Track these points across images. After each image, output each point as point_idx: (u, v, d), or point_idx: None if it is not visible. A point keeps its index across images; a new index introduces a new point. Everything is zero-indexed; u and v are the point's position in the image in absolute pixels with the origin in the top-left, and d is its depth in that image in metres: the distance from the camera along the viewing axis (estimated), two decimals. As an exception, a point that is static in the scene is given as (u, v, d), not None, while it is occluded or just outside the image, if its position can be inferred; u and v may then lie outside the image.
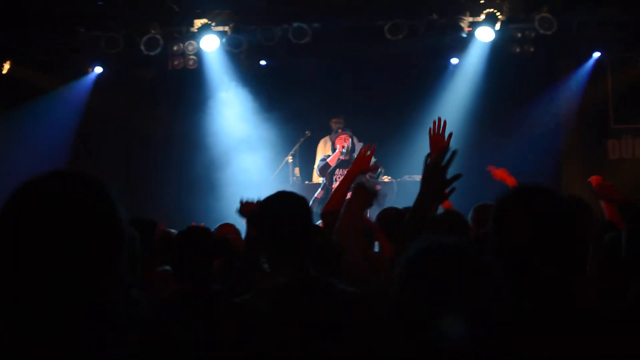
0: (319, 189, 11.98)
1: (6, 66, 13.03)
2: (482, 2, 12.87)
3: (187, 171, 13.86)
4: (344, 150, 11.89)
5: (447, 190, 3.32)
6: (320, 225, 5.48)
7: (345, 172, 11.49)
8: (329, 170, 11.90)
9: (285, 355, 3.22)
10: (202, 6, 12.98)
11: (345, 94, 14.00)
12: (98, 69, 13.72)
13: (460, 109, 13.80)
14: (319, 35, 12.81)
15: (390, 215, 5.89)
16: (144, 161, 14.30)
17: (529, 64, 13.43)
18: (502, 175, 7.30)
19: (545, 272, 2.42)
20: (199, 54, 13.22)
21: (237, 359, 3.31)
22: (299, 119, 13.65)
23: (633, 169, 13.40)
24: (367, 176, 10.27)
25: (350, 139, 12.03)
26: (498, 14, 12.76)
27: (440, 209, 5.73)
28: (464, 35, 12.98)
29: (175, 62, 13.24)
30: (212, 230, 5.97)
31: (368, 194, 4.42)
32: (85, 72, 13.75)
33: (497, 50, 13.17)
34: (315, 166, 13.20)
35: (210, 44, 12.95)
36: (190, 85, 13.81)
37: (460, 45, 13.33)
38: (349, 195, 4.87)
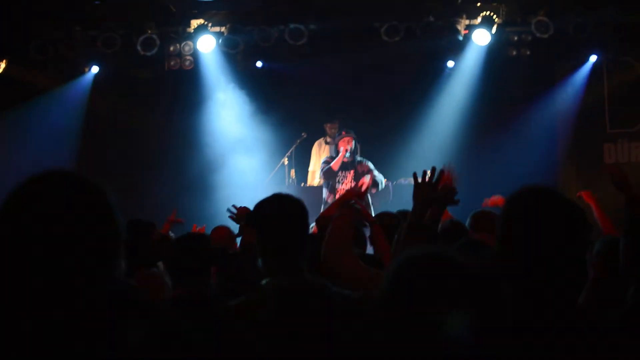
0: (327, 192, 11.97)
1: (2, 65, 13.00)
2: (478, 5, 12.89)
3: (182, 172, 13.85)
4: (347, 154, 11.89)
5: (455, 198, 3.45)
6: (314, 229, 5.48)
7: (347, 176, 11.62)
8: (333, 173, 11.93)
9: (281, 359, 3.22)
10: (198, 7, 12.97)
11: (342, 95, 13.98)
12: (95, 69, 13.69)
13: (456, 111, 13.81)
14: (315, 36, 12.81)
15: (384, 218, 5.88)
16: (139, 161, 14.27)
17: (525, 67, 13.45)
18: (494, 202, 7.39)
19: (553, 275, 2.46)
20: (195, 54, 13.21)
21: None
22: (295, 120, 13.65)
23: (629, 173, 13.38)
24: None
25: (353, 142, 12.03)
26: (495, 17, 12.78)
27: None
28: (461, 38, 12.99)
29: (172, 63, 13.24)
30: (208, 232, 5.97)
31: (354, 212, 4.41)
32: (81, 71, 13.72)
33: (493, 53, 13.18)
34: (311, 169, 13.20)
35: (207, 45, 12.94)
36: (186, 86, 13.79)
37: (457, 48, 13.34)
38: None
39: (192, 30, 13.05)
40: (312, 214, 3.75)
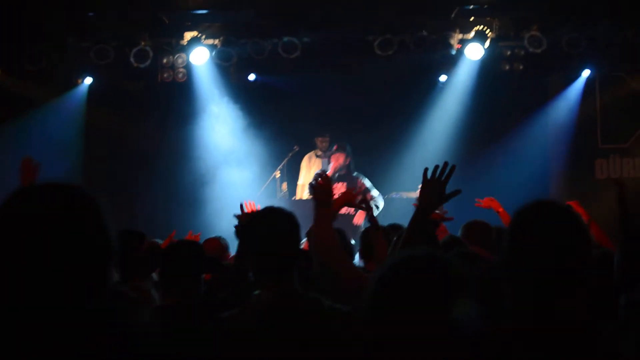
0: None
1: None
2: (471, 19, 12.92)
3: (174, 184, 13.84)
4: (335, 174, 11.85)
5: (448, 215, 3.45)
6: (305, 245, 5.46)
7: (342, 188, 11.59)
8: None
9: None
10: (192, 19, 12.98)
11: (335, 108, 13.98)
12: (88, 80, 13.68)
13: (449, 125, 13.82)
14: (309, 49, 12.83)
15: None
16: (132, 173, 14.23)
17: (518, 81, 13.47)
18: (488, 203, 7.42)
19: (557, 289, 2.49)
20: (188, 66, 13.20)
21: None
22: (287, 133, 13.64)
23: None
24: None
25: (344, 157, 11.97)
26: (488, 31, 12.82)
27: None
28: (454, 52, 13.03)
29: (165, 75, 13.23)
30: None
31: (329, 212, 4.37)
32: (74, 83, 13.71)
33: (486, 68, 13.20)
34: (300, 182, 13.17)
35: (200, 57, 12.94)
36: (179, 99, 13.78)
37: (450, 62, 13.36)
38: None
39: (186, 43, 13.05)
40: (302, 228, 3.74)
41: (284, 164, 13.07)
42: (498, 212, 7.36)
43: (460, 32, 13.07)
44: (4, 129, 13.18)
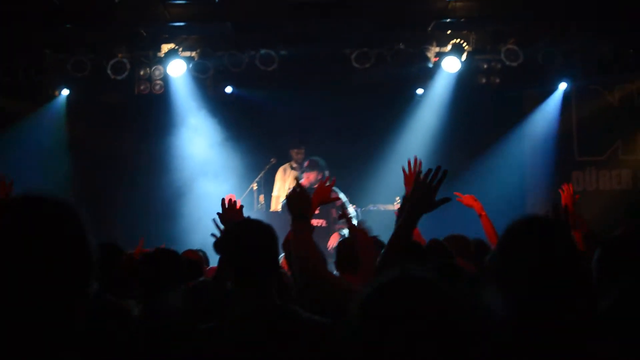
0: None
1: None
2: (449, 32, 12.97)
3: (152, 196, 13.79)
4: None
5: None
6: (283, 261, 5.44)
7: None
8: None
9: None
10: (169, 31, 12.96)
11: (312, 121, 13.99)
12: (65, 92, 13.64)
13: (426, 138, 13.85)
14: (286, 62, 12.84)
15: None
16: (109, 185, 14.17)
17: (494, 94, 13.52)
18: (468, 201, 7.38)
19: (547, 301, 2.54)
20: (165, 79, 13.18)
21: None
22: (264, 146, 13.64)
23: (597, 201, 13.47)
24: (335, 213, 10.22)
25: (315, 175, 11.86)
26: (465, 44, 12.87)
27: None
28: (431, 65, 13.06)
29: (142, 87, 13.20)
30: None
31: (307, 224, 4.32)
32: (52, 95, 13.66)
33: (463, 81, 13.26)
34: (275, 194, 13.15)
35: (177, 69, 12.92)
36: (156, 111, 13.75)
37: (427, 75, 13.41)
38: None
39: (163, 55, 13.03)
40: (279, 239, 3.72)
41: (261, 177, 13.05)
42: (480, 215, 7.28)
43: (437, 45, 13.13)
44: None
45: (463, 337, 1.86)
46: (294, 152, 13.17)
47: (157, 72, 13.11)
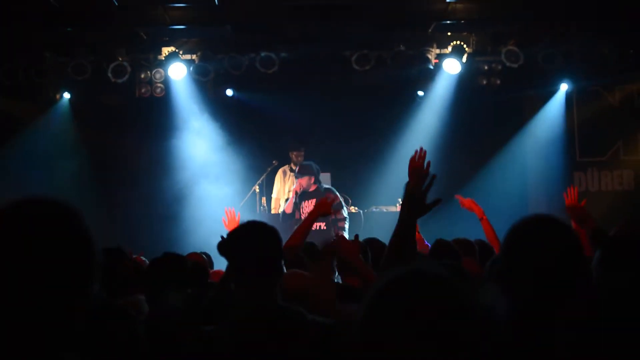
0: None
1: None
2: (449, 34, 12.98)
3: (153, 200, 13.78)
4: (304, 195, 11.81)
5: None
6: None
7: (311, 205, 11.52)
8: (292, 209, 11.85)
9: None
10: (169, 34, 12.97)
11: (312, 123, 14.00)
12: (66, 95, 13.66)
13: (427, 140, 13.82)
14: (286, 64, 12.83)
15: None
16: (111, 188, 14.17)
17: (495, 96, 13.52)
18: (469, 204, 7.36)
19: (551, 301, 2.54)
20: (166, 81, 13.17)
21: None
22: (265, 148, 13.66)
23: (600, 202, 13.46)
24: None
25: (307, 180, 11.83)
26: (465, 46, 12.87)
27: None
28: (431, 67, 13.05)
29: (143, 90, 13.19)
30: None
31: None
32: (53, 98, 13.67)
33: (464, 82, 13.26)
34: (274, 196, 13.16)
35: (178, 72, 12.91)
36: (157, 113, 13.74)
37: (428, 76, 13.41)
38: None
39: (163, 58, 13.02)
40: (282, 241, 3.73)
41: (262, 179, 13.06)
42: (481, 219, 7.26)
43: (438, 47, 13.13)
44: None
45: (472, 334, 1.86)
46: (293, 155, 13.16)
47: (157, 75, 13.10)
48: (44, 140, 13.60)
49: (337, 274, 5.52)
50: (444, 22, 12.47)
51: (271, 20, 12.53)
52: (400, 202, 3.65)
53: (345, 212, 11.63)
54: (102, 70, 12.73)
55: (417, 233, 5.81)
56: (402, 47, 12.79)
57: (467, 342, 1.80)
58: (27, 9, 11.49)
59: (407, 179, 3.64)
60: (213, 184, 13.33)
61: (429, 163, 3.68)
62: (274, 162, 13.12)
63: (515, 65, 12.66)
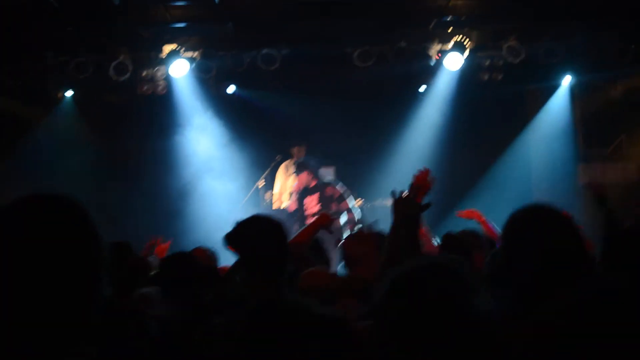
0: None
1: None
2: (450, 30, 12.95)
3: (158, 196, 13.80)
4: (305, 192, 11.86)
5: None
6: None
7: (313, 199, 11.56)
8: (297, 206, 11.91)
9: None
10: (171, 32, 12.95)
11: (314, 119, 14.00)
12: (69, 93, 13.68)
13: (429, 135, 13.87)
14: (287, 61, 12.82)
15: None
16: (114, 185, 14.19)
17: (497, 91, 13.52)
18: (470, 215, 7.42)
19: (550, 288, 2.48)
20: (168, 79, 13.17)
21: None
22: (269, 144, 13.70)
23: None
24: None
25: (308, 175, 11.89)
26: (466, 42, 12.85)
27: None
28: (433, 62, 13.05)
29: (145, 88, 13.19)
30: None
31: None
32: (55, 97, 13.69)
33: (465, 78, 13.26)
34: (276, 191, 13.22)
35: (180, 70, 12.91)
36: (160, 111, 13.76)
37: (429, 72, 13.42)
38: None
39: (165, 56, 13.01)
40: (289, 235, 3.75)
41: (267, 174, 13.11)
42: (480, 222, 7.35)
43: (439, 43, 13.10)
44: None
45: (478, 327, 1.86)
46: (295, 150, 13.21)
47: (159, 73, 13.10)
48: (49, 138, 13.61)
49: (341, 265, 5.54)
50: (445, 18, 12.46)
51: (272, 17, 12.52)
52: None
53: (351, 203, 11.72)
54: (104, 69, 12.72)
55: (421, 229, 5.83)
56: (403, 44, 12.77)
57: (467, 342, 1.81)
58: (27, 9, 11.49)
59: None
60: (217, 180, 13.37)
61: (433, 179, 3.72)
62: (277, 157, 13.18)
63: (516, 61, 12.65)
